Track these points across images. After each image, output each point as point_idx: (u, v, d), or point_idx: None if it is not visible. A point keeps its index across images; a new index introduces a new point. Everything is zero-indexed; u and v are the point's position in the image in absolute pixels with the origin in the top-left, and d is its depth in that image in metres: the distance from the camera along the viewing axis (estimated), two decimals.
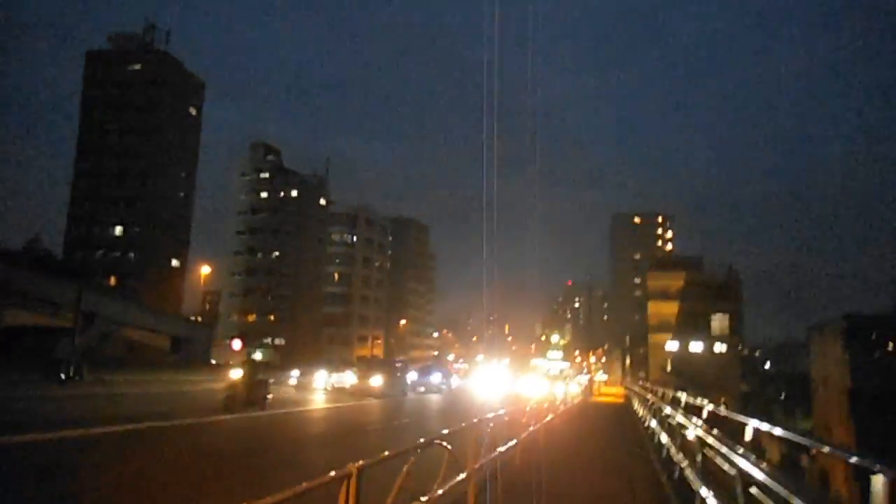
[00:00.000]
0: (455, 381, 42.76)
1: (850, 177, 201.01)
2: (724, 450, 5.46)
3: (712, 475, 6.09)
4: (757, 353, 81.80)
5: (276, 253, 76.62)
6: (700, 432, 6.86)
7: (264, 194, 78.35)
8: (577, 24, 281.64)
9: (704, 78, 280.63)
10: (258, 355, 33.29)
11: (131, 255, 64.30)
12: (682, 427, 8.49)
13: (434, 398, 30.97)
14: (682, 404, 11.54)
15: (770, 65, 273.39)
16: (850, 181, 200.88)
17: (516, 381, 44.30)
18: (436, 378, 37.71)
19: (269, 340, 70.63)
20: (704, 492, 6.15)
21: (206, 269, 50.34)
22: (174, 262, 67.48)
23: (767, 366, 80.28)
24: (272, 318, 74.58)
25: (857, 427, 25.60)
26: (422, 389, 34.56)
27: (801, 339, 74.80)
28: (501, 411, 9.91)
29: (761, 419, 6.32)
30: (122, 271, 62.85)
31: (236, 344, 46.36)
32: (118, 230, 64.93)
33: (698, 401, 10.37)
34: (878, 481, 2.96)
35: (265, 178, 79.25)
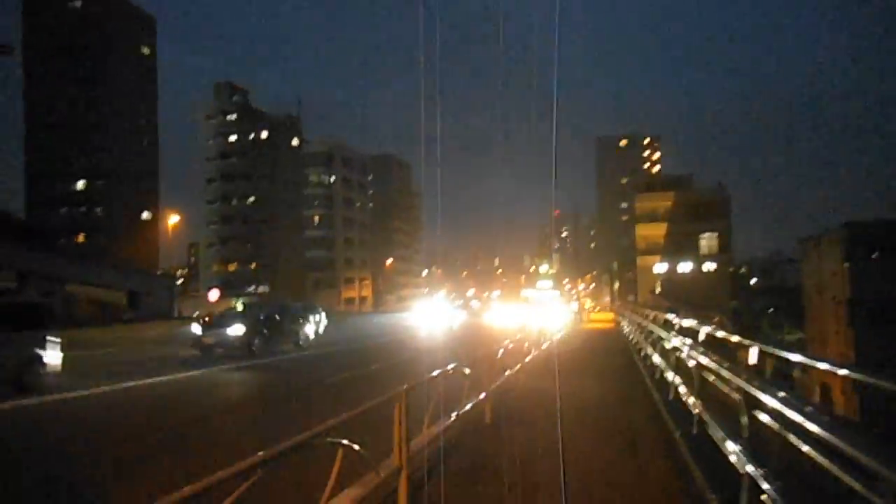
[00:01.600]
0: (324, 324, 22.66)
1: (838, 92, 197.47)
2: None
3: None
4: (743, 269, 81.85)
5: (252, 198, 73.91)
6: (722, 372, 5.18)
7: (233, 137, 74.70)
8: None
9: None
10: (239, 305, 25.64)
11: (98, 209, 61.55)
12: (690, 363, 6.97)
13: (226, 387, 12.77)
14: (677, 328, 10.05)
15: None
16: (838, 97, 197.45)
17: (483, 310, 39.02)
18: (236, 330, 16.97)
19: (252, 289, 69.13)
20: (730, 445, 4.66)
21: (174, 220, 48.18)
22: (144, 215, 64.84)
23: (753, 281, 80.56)
24: (254, 266, 72.78)
25: (857, 338, 24.88)
26: (222, 351, 16.73)
27: (788, 254, 74.93)
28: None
29: (750, 334, 6.64)
30: (89, 227, 60.29)
31: (213, 294, 44.70)
32: (80, 184, 61.84)
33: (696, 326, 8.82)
34: None
35: (233, 121, 75.36)
